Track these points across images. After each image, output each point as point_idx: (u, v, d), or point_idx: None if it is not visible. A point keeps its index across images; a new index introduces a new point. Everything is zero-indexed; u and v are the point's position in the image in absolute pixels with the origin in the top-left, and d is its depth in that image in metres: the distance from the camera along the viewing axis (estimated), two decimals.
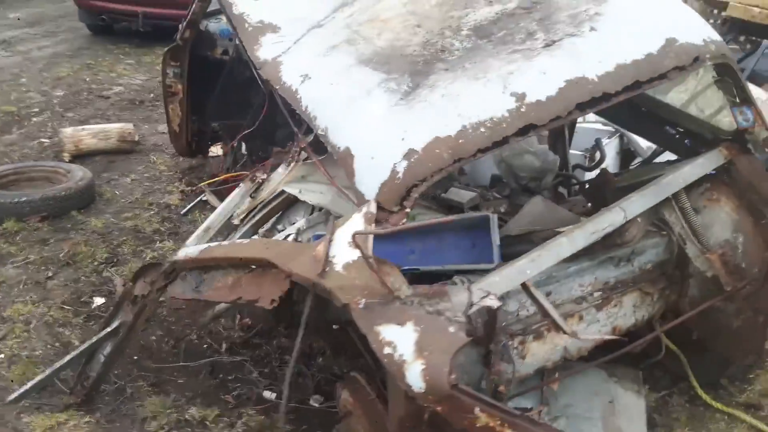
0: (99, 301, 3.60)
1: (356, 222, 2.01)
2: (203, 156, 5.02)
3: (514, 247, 2.53)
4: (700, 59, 2.39)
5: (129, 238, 4.25)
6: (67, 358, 2.78)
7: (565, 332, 2.10)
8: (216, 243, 2.55)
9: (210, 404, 2.92)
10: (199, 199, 4.76)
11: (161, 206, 4.73)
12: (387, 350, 1.71)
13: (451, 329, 1.73)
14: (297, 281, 1.96)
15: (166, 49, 4.03)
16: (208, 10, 3.76)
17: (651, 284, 2.71)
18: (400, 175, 2.10)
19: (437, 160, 2.11)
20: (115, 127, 5.51)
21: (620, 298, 2.61)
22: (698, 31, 2.45)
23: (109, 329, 2.78)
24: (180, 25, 3.91)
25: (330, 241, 1.95)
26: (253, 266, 2.16)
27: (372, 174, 2.16)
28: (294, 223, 2.90)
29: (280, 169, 2.96)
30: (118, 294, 3.59)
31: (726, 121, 2.72)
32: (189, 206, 4.68)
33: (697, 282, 2.69)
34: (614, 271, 2.60)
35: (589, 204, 3.04)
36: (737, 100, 2.57)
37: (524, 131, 2.18)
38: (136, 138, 5.62)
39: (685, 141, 2.99)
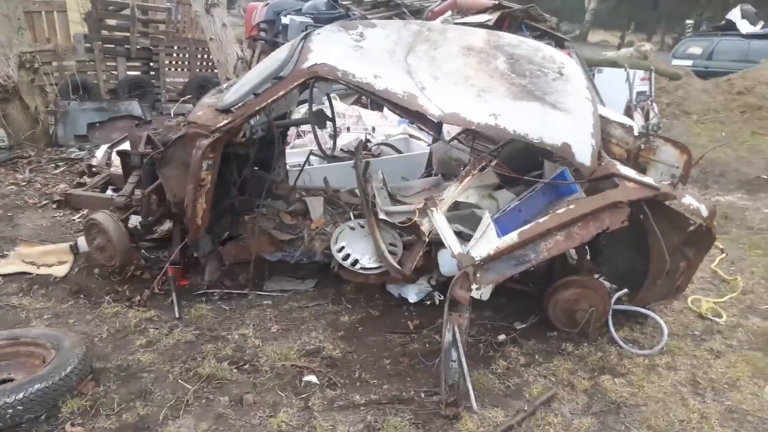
0: (312, 378, 3.68)
1: (622, 167, 3.89)
2: None
3: None
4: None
5: (206, 348, 3.94)
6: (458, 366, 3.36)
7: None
8: (522, 228, 3.71)
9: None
10: (173, 297, 4.46)
11: (144, 322, 4.21)
12: (691, 205, 3.84)
13: (690, 189, 3.97)
14: (646, 198, 3.74)
15: (206, 143, 3.75)
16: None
17: None
18: (595, 147, 4.03)
19: (600, 135, 4.13)
20: None
21: None
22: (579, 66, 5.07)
23: (459, 340, 3.45)
24: (228, 117, 3.80)
25: (632, 177, 3.81)
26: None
27: (585, 151, 3.98)
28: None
29: (452, 186, 4.08)
30: (303, 366, 3.79)
31: None
32: (176, 307, 4.37)
33: None
34: None
35: None
36: None
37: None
38: None
39: None
